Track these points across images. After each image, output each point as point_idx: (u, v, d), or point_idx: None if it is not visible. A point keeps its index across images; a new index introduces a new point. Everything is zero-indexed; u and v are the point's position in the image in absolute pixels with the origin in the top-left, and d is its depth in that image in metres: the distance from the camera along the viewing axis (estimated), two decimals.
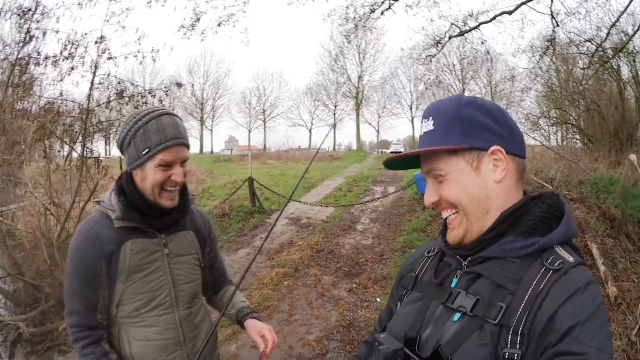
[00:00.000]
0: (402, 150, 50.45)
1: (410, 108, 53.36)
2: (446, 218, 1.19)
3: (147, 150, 1.63)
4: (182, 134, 1.69)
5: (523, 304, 0.96)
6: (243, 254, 8.55)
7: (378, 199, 11.85)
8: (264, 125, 58.42)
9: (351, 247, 8.71)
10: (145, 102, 5.85)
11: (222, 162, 33.75)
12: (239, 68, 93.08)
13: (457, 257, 1.18)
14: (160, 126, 1.63)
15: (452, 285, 1.15)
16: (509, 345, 0.95)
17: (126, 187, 1.72)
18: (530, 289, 0.97)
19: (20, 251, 5.36)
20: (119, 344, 1.77)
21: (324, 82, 54.72)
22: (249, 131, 59.00)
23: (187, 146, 1.74)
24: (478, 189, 1.10)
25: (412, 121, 54.17)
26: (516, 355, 0.93)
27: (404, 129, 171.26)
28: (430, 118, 1.16)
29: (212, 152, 57.72)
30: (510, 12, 12.07)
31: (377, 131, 58.96)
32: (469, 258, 1.14)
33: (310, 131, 58.84)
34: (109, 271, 1.69)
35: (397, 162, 1.27)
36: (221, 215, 11.12)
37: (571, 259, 1.01)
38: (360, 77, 52.75)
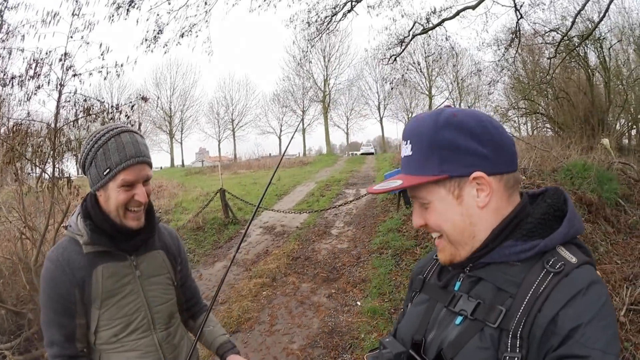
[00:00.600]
0: (373, 151, 50.68)
1: (378, 108, 54.06)
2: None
3: (108, 170, 1.59)
4: (142, 151, 1.65)
5: (522, 308, 0.95)
6: (220, 266, 8.47)
7: (351, 201, 11.84)
8: (234, 134, 58.16)
9: (327, 252, 8.71)
10: (112, 119, 5.77)
11: (194, 174, 33.40)
12: (205, 78, 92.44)
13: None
14: (120, 145, 1.60)
15: (456, 288, 1.14)
16: (509, 349, 0.94)
17: (91, 211, 1.69)
18: (530, 292, 0.96)
19: (0, 278, 5.24)
20: None
21: (290, 87, 54.85)
22: (219, 142, 58.62)
23: (149, 164, 1.70)
24: (461, 218, 1.08)
25: (381, 121, 54.76)
26: (516, 358, 0.93)
27: (373, 129, 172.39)
28: (409, 142, 1.12)
29: (183, 165, 57.10)
30: (473, 7, 12.14)
31: (347, 133, 59.38)
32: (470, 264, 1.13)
33: (279, 138, 58.68)
34: (83, 298, 1.66)
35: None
36: (195, 229, 10.97)
37: (573, 260, 0.99)
38: (326, 81, 52.94)
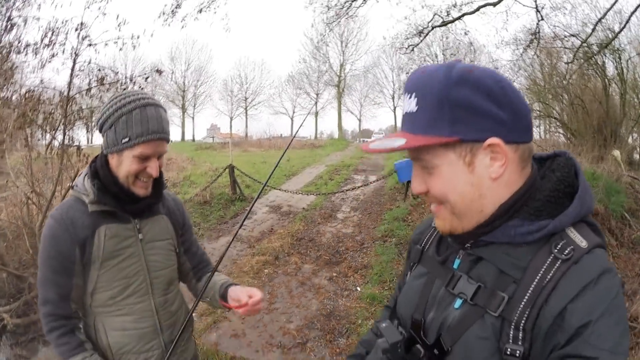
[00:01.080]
0: None
1: (393, 98, 53.58)
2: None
3: (127, 139, 1.58)
4: (164, 128, 1.65)
5: (527, 297, 0.88)
6: (224, 241, 8.49)
7: (359, 187, 11.87)
8: (246, 113, 58.21)
9: (332, 235, 8.73)
10: (125, 90, 5.78)
11: (204, 149, 33.42)
12: (221, 55, 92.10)
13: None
14: (144, 118, 1.59)
15: (455, 266, 1.06)
16: (511, 340, 0.88)
17: (101, 172, 1.68)
18: (536, 280, 0.89)
19: (3, 241, 5.28)
20: (95, 334, 1.74)
21: (306, 70, 54.69)
22: (231, 119, 58.75)
23: (168, 140, 1.70)
24: (471, 188, 0.96)
25: (394, 111, 54.36)
26: (518, 351, 0.87)
27: (385, 118, 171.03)
28: (413, 95, 0.97)
29: (193, 139, 57.18)
30: (494, 4, 11.92)
31: (359, 120, 59.37)
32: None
33: (292, 119, 58.85)
34: (83, 257, 1.65)
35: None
36: (202, 203, 11.03)
37: (583, 244, 0.91)
38: (342, 66, 52.70)
